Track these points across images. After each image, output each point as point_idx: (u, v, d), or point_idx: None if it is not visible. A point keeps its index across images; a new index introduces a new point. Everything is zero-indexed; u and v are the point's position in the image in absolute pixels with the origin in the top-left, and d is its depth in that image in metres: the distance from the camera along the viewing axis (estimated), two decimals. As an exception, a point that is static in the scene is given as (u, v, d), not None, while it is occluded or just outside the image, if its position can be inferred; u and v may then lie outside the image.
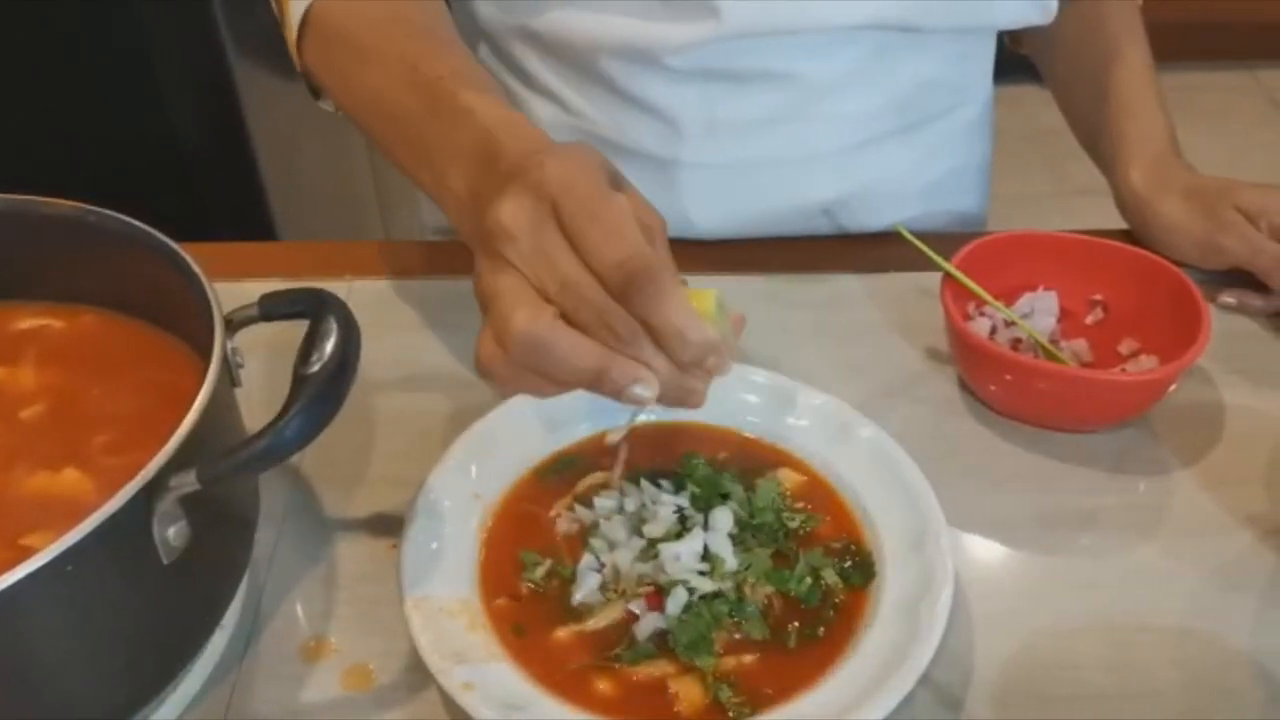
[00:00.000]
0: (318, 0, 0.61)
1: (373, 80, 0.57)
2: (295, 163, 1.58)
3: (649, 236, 0.43)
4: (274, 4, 0.66)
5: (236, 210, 1.43)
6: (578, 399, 0.61)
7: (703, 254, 0.78)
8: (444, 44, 0.58)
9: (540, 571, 0.55)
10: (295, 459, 0.65)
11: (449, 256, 0.80)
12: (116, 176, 1.38)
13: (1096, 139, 0.83)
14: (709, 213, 0.78)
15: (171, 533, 0.46)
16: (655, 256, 0.42)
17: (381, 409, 0.67)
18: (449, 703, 0.51)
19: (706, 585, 0.53)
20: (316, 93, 0.68)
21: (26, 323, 0.61)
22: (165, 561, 0.46)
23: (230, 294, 0.53)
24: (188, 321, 0.56)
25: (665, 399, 0.44)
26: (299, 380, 0.47)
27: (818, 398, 0.62)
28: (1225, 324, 0.72)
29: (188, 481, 0.45)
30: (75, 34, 1.31)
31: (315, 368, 0.47)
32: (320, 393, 0.47)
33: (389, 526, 0.60)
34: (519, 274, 0.43)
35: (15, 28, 1.30)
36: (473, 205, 0.48)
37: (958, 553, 0.57)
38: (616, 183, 0.46)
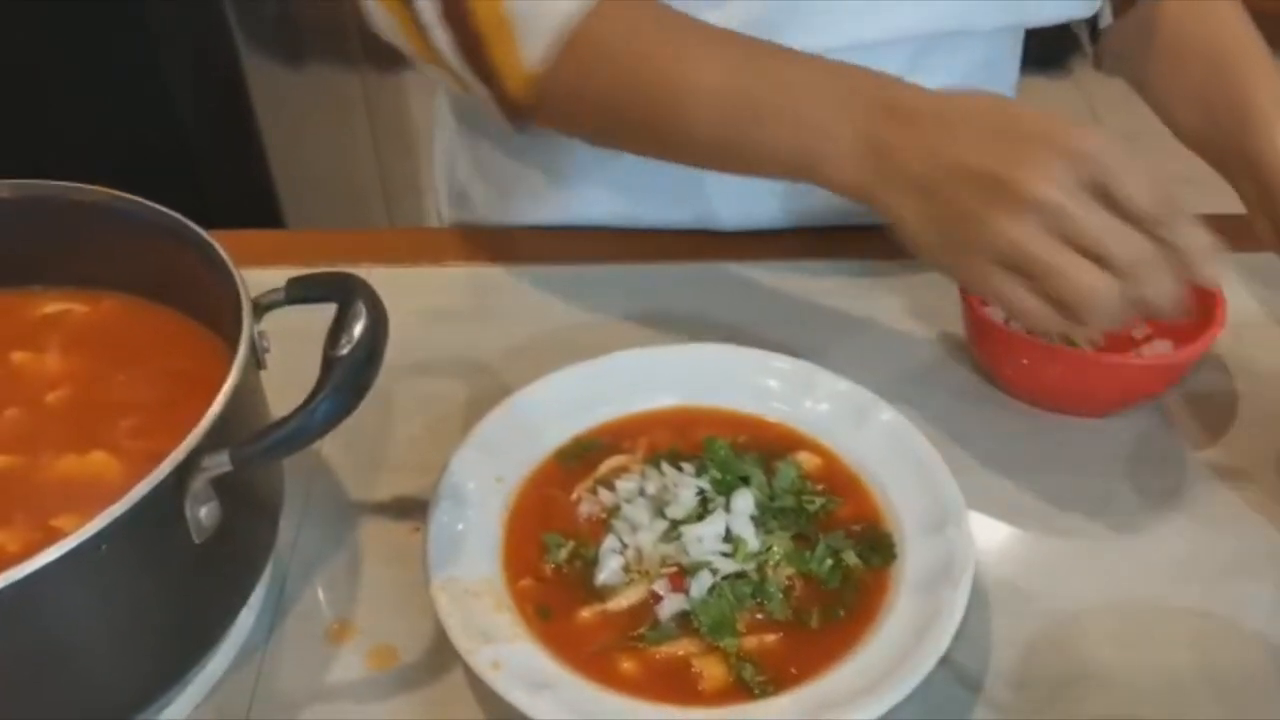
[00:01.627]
0: (577, 24, 0.60)
1: (696, 76, 0.58)
2: (301, 153, 1.59)
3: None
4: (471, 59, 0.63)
5: (244, 199, 1.43)
6: (600, 384, 0.62)
7: (726, 244, 0.79)
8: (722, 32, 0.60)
9: (563, 553, 0.55)
10: (316, 444, 0.65)
11: (464, 244, 0.80)
12: (123, 165, 1.39)
13: (1215, 121, 0.75)
14: (733, 210, 0.78)
15: (203, 513, 0.47)
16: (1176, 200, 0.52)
17: (400, 395, 0.68)
18: (473, 682, 0.52)
19: (729, 566, 0.54)
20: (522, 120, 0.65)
21: (50, 308, 0.61)
22: (196, 541, 0.47)
23: (249, 280, 0.53)
24: (211, 307, 0.56)
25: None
26: (329, 363, 0.48)
27: (837, 383, 0.62)
28: (1239, 310, 0.72)
29: (220, 462, 0.45)
30: (85, 26, 1.31)
31: (345, 350, 0.48)
32: (350, 375, 0.47)
33: (410, 510, 0.61)
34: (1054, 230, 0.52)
35: (26, 18, 1.30)
36: (873, 152, 0.56)
37: (975, 536, 0.58)
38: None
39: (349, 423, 0.60)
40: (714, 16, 0.62)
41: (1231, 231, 0.64)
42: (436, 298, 0.75)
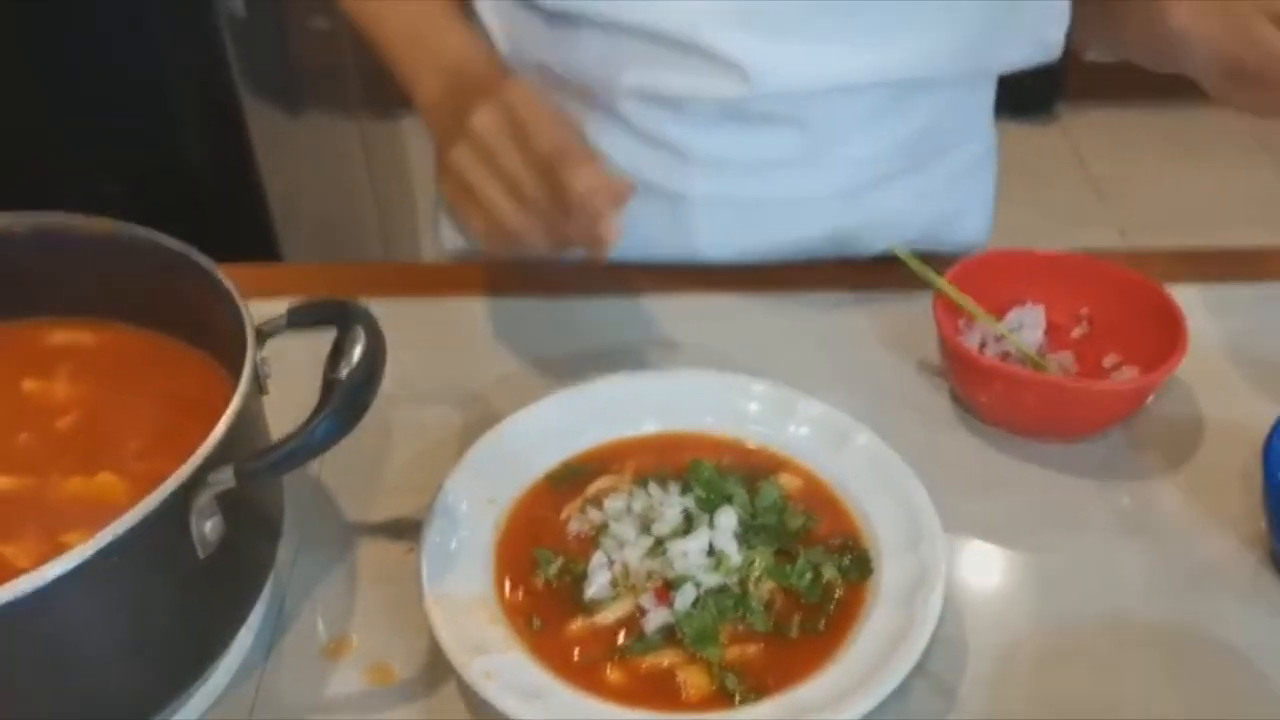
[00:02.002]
0: None
1: (378, 18, 0.74)
2: (300, 194, 1.62)
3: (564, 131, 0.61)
4: None
5: (243, 238, 1.46)
6: (588, 410, 0.65)
7: (709, 276, 0.81)
8: None
9: (554, 569, 0.57)
10: (315, 469, 0.67)
11: (459, 278, 0.83)
12: (126, 203, 1.42)
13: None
14: (716, 244, 0.82)
15: (208, 527, 0.49)
16: (571, 142, 0.59)
17: (397, 421, 0.70)
18: (468, 697, 0.54)
19: (713, 580, 0.56)
20: None
21: (60, 338, 0.64)
22: (201, 556, 0.49)
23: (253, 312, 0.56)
24: (214, 334, 0.59)
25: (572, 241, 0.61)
26: (329, 384, 0.50)
27: (817, 407, 0.65)
28: (1204, 337, 0.75)
29: (225, 478, 0.48)
30: (94, 69, 1.35)
31: (344, 373, 0.50)
32: (350, 396, 0.50)
33: (405, 531, 0.63)
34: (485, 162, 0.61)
35: (36, 59, 1.33)
36: (448, 105, 0.65)
37: (951, 553, 0.60)
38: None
39: (347, 448, 0.63)
40: None
41: (1208, 264, 0.66)
42: (431, 329, 0.77)
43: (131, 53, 1.34)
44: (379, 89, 2.02)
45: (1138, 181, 2.66)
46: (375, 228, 2.00)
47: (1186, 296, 0.71)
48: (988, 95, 0.87)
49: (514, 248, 0.61)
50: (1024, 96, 2.88)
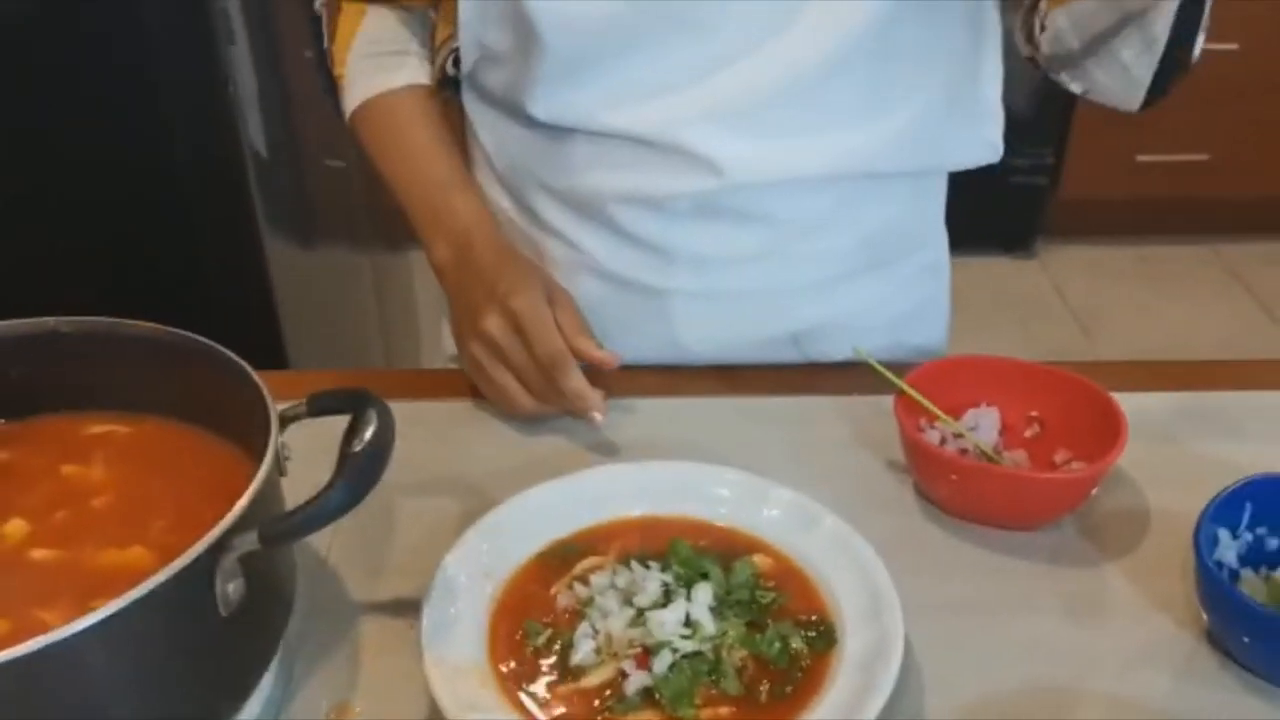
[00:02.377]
0: (365, 101, 0.92)
1: (394, 165, 0.90)
2: (312, 319, 1.70)
3: (562, 314, 0.80)
4: (332, 84, 0.95)
5: (258, 359, 1.54)
6: (577, 496, 0.70)
7: (690, 378, 0.88)
8: (444, 147, 0.90)
9: (542, 638, 0.62)
10: (324, 550, 0.73)
11: (458, 383, 0.90)
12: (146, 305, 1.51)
13: None
14: (697, 336, 0.89)
15: (231, 588, 0.54)
16: (564, 352, 0.78)
17: (400, 509, 0.76)
18: (462, 756, 0.58)
19: (688, 646, 0.61)
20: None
21: (97, 429, 0.70)
22: (223, 614, 0.54)
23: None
24: (239, 425, 0.65)
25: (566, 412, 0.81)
26: (344, 457, 0.56)
27: (787, 494, 0.71)
28: (1146, 434, 0.81)
29: (250, 540, 0.53)
30: (130, 208, 1.45)
31: (358, 448, 0.56)
32: (362, 468, 0.56)
33: (406, 609, 0.68)
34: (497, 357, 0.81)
35: (68, 197, 1.43)
36: (457, 281, 0.85)
37: (911, 629, 0.65)
38: (552, 292, 0.81)
39: (354, 532, 0.68)
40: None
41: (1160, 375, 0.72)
42: (434, 427, 0.84)
43: (160, 182, 1.44)
44: (389, 224, 2.13)
45: (1115, 312, 2.77)
46: (379, 347, 2.08)
47: (1137, 401, 0.77)
48: (938, 204, 0.95)
49: (520, 413, 0.82)
50: (1007, 234, 3.02)
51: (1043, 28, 0.79)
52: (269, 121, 1.55)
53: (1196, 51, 0.76)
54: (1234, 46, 2.75)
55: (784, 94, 0.78)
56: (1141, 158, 2.88)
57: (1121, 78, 0.77)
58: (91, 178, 1.44)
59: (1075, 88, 0.81)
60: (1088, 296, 2.85)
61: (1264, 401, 0.88)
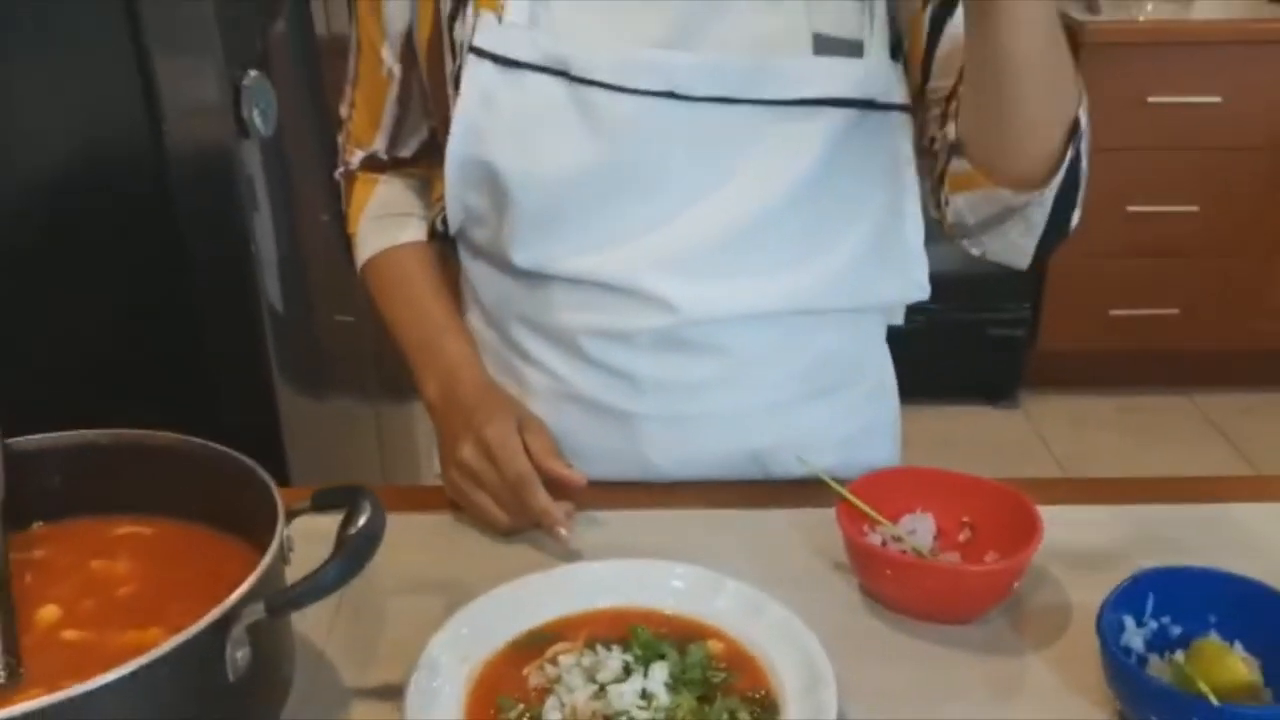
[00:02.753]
0: (373, 255, 1.07)
1: (396, 310, 1.05)
2: (319, 460, 1.80)
3: (533, 438, 0.92)
4: (348, 240, 1.11)
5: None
6: (548, 589, 0.79)
7: (659, 494, 0.97)
8: (439, 297, 1.04)
9: (514, 712, 0.70)
10: (321, 642, 0.80)
11: (444, 499, 0.99)
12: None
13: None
14: (663, 456, 0.98)
15: (239, 655, 0.62)
16: (530, 475, 0.89)
17: (391, 607, 0.84)
18: (438, 815, 0.65)
19: (644, 716, 0.68)
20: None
21: (123, 530, 0.79)
22: (231, 679, 0.62)
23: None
24: (249, 522, 0.74)
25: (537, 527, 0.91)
26: (341, 540, 0.65)
27: (738, 585, 0.79)
28: (1066, 537, 0.88)
29: (257, 610, 0.62)
30: (151, 360, 1.56)
31: (353, 531, 0.65)
32: (357, 547, 0.64)
33: (393, 695, 0.75)
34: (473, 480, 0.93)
35: (97, 356, 1.55)
36: (443, 415, 0.98)
37: (851, 712, 0.72)
38: (524, 420, 0.93)
39: (349, 626, 0.76)
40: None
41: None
42: (422, 536, 0.92)
43: (182, 347, 1.56)
44: (394, 376, 2.25)
45: (1099, 461, 2.85)
46: (375, 459, 2.17)
47: (1071, 513, 0.87)
48: (877, 336, 1.06)
49: (497, 528, 0.92)
50: (990, 385, 3.13)
51: (946, 202, 0.92)
52: (285, 279, 1.69)
53: (1073, 224, 0.89)
54: (1194, 208, 2.93)
55: (725, 242, 0.91)
56: (1114, 312, 3.01)
57: (1011, 248, 0.91)
58: (123, 327, 1.56)
59: (974, 252, 0.94)
60: (1071, 445, 2.94)
61: (1196, 513, 0.95)
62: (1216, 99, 2.82)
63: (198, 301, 1.57)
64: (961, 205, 0.90)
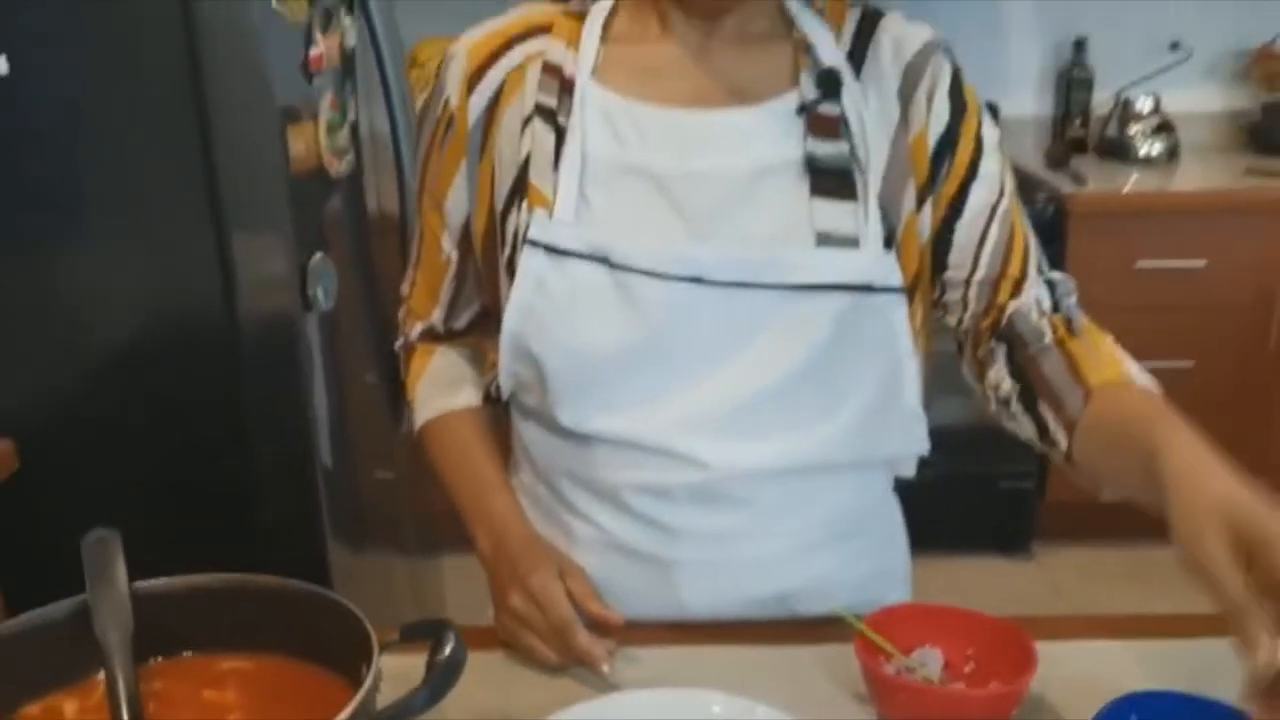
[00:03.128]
0: (430, 419, 1.22)
1: (450, 471, 1.19)
2: (360, 590, 1.89)
3: (574, 583, 1.04)
4: (407, 406, 1.26)
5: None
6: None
7: (690, 632, 1.08)
8: (489, 458, 1.18)
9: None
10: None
11: (498, 638, 1.09)
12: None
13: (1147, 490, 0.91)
14: (696, 598, 1.09)
15: (342, 770, 0.72)
16: (572, 619, 1.01)
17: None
18: None
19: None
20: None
21: (229, 665, 0.90)
22: (337, 790, 0.72)
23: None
24: (341, 656, 0.84)
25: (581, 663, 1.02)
26: (430, 666, 0.76)
27: (766, 711, 0.89)
28: (1066, 668, 0.98)
29: (359, 728, 0.72)
30: (210, 521, 1.68)
31: (440, 658, 0.76)
32: (443, 673, 0.75)
33: (464, 813, 0.85)
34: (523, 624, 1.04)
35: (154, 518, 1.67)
36: (493, 566, 1.11)
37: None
38: (565, 568, 1.06)
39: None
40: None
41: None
42: (480, 672, 1.00)
43: (241, 520, 1.69)
44: (428, 531, 2.36)
45: (1111, 611, 2.90)
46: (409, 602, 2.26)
47: (1076, 647, 0.97)
48: (885, 486, 1.18)
49: (545, 665, 1.03)
50: (1003, 537, 3.21)
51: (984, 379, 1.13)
52: (334, 437, 1.82)
53: None
54: (1189, 364, 3.06)
55: (746, 406, 1.04)
56: (1119, 464, 3.10)
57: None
58: (182, 485, 1.69)
59: (1008, 426, 1.12)
60: (1083, 595, 3.00)
61: (1195, 647, 1.02)
62: (1201, 262, 2.99)
63: (257, 459, 1.71)
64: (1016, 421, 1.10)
